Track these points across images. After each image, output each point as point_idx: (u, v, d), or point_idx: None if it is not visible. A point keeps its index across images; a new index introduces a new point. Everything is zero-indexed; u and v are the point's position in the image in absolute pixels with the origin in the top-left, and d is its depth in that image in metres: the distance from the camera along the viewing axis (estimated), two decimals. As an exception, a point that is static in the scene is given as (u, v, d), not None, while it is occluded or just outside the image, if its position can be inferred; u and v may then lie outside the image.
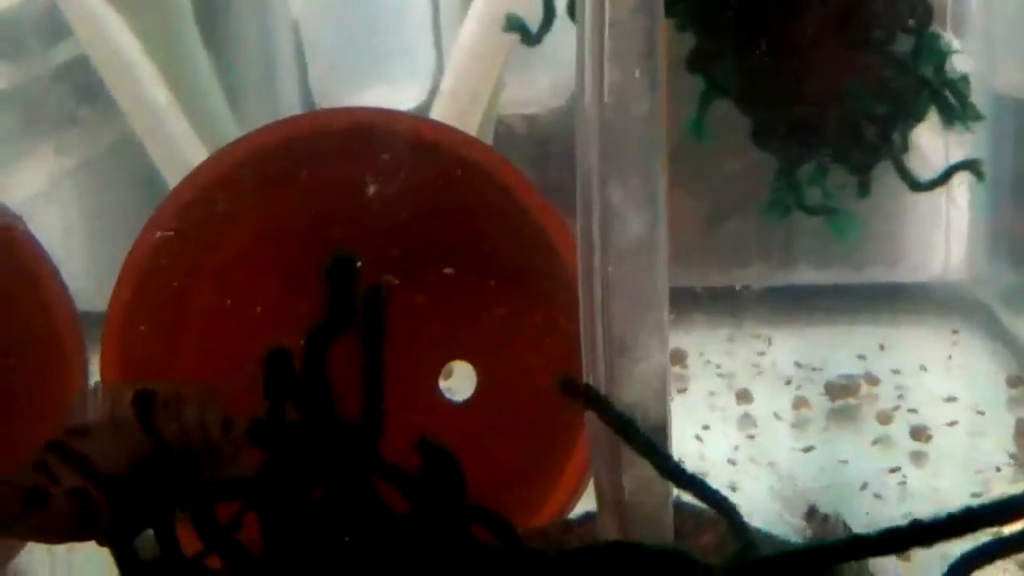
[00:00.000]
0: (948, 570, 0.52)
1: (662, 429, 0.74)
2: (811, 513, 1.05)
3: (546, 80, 1.65)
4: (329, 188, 1.03)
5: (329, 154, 1.02)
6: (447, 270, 1.07)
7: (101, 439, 0.70)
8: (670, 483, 0.75)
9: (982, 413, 1.32)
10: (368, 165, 0.99)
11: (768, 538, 0.69)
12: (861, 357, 1.43)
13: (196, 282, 1.04)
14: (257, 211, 1.03)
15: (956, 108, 1.31)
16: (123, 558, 0.60)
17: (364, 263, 0.60)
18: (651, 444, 0.65)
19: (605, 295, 0.72)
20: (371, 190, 0.98)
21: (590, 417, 0.71)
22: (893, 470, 1.22)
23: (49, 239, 1.09)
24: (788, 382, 1.41)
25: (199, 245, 1.03)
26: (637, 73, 0.70)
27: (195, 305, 1.05)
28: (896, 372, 1.41)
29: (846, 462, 1.25)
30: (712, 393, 1.39)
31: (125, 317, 1.01)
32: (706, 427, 1.31)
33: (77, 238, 1.61)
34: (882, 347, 1.47)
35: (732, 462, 1.24)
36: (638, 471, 0.72)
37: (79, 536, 0.68)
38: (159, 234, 0.96)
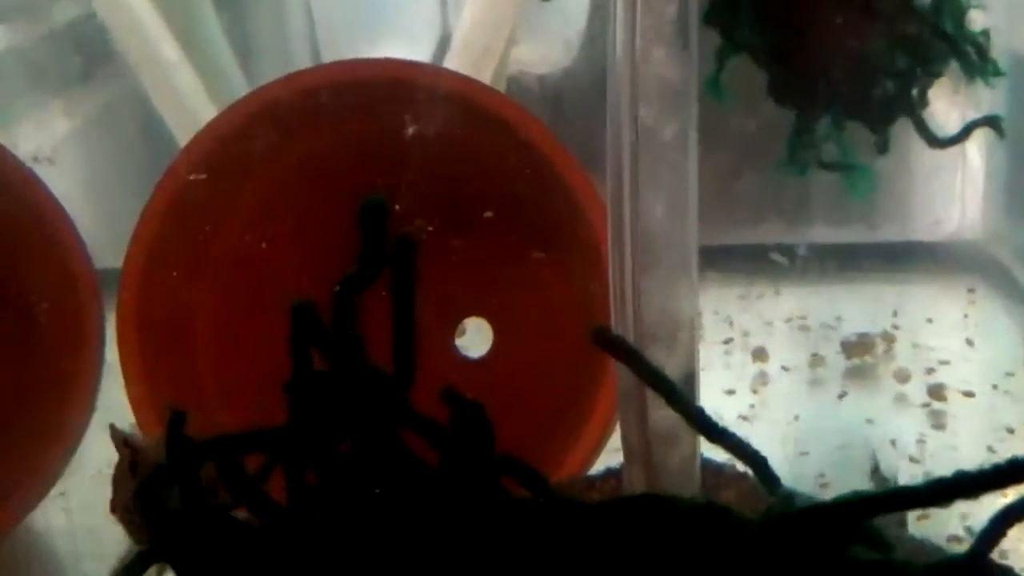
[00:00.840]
0: (992, 519, 0.52)
1: (691, 382, 0.73)
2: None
3: (558, 39, 1.64)
4: (347, 140, 1.02)
5: (349, 106, 1.00)
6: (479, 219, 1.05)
7: None
8: (697, 436, 0.74)
9: (1000, 372, 1.31)
10: (390, 117, 0.98)
11: (796, 494, 0.68)
12: (870, 317, 1.42)
13: (215, 234, 1.03)
14: (275, 163, 1.02)
15: (976, 62, 1.29)
16: (150, 509, 0.59)
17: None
18: (680, 394, 0.64)
19: (635, 249, 0.71)
20: (392, 143, 0.97)
21: (619, 369, 0.70)
22: (911, 429, 1.21)
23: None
24: (803, 341, 1.40)
25: (218, 196, 1.01)
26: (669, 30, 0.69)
27: (213, 258, 1.04)
28: (912, 331, 1.40)
29: (866, 421, 1.24)
30: (727, 352, 1.38)
31: (143, 269, 1.01)
32: (727, 390, 1.30)
33: (83, 196, 1.60)
34: (898, 306, 1.46)
35: (746, 419, 1.23)
36: (666, 424, 0.71)
37: None
38: (191, 176, 0.95)
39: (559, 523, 0.56)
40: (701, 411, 0.65)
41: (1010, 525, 0.53)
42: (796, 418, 1.25)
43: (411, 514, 0.57)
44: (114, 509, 0.69)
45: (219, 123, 1.00)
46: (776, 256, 1.54)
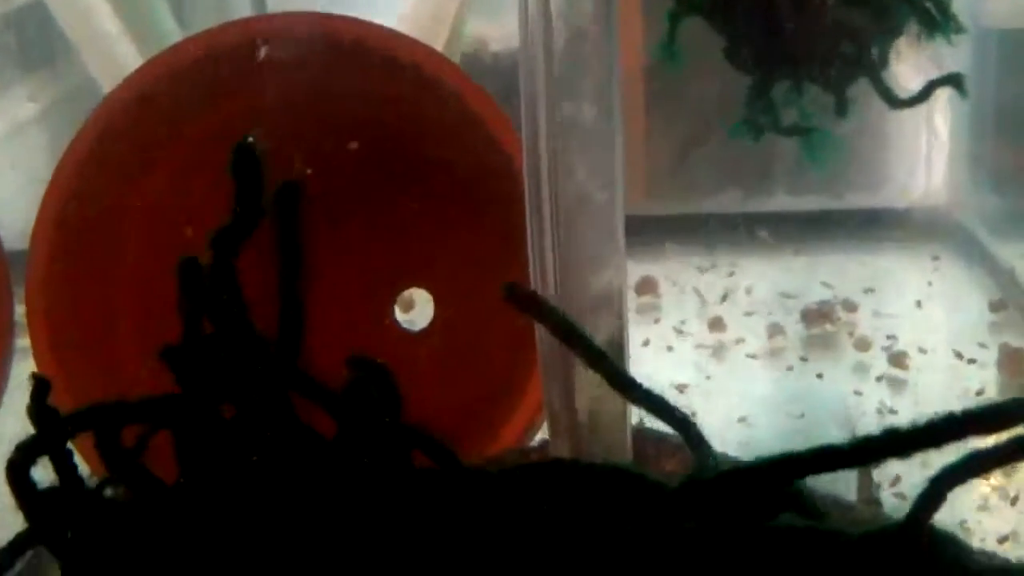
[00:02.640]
0: (930, 482, 0.47)
1: (619, 346, 0.68)
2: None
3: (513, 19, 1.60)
4: (276, 100, 0.97)
5: (278, 62, 0.95)
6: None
7: None
8: (627, 404, 0.70)
9: (963, 338, 1.27)
10: (318, 74, 0.93)
11: (732, 460, 0.63)
12: (830, 286, 1.38)
13: (131, 195, 0.98)
14: (197, 121, 0.97)
15: (937, 19, 1.24)
16: (20, 488, 0.54)
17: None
18: (603, 356, 0.59)
19: (555, 206, 0.65)
20: (323, 101, 0.92)
21: (540, 331, 0.66)
22: (872, 396, 1.17)
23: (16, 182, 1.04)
24: (762, 311, 1.35)
25: (134, 154, 0.96)
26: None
27: (129, 222, 0.98)
28: (875, 299, 1.36)
29: (823, 389, 1.20)
30: (683, 321, 1.33)
31: (52, 237, 0.95)
32: (684, 361, 1.26)
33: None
34: (860, 274, 1.42)
35: (704, 391, 1.19)
36: (592, 390, 0.66)
37: None
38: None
39: (462, 491, 0.51)
40: (624, 373, 0.60)
41: (948, 488, 0.49)
42: (754, 389, 1.21)
43: (300, 483, 0.52)
44: None
45: (140, 76, 0.94)
46: (763, 233, 1.50)
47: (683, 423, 0.60)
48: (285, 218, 0.50)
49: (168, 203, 0.97)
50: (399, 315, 1.09)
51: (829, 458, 0.48)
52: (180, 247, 0.98)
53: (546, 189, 0.65)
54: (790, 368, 1.24)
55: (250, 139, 0.48)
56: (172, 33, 1.62)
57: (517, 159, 0.95)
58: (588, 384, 0.66)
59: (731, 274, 1.43)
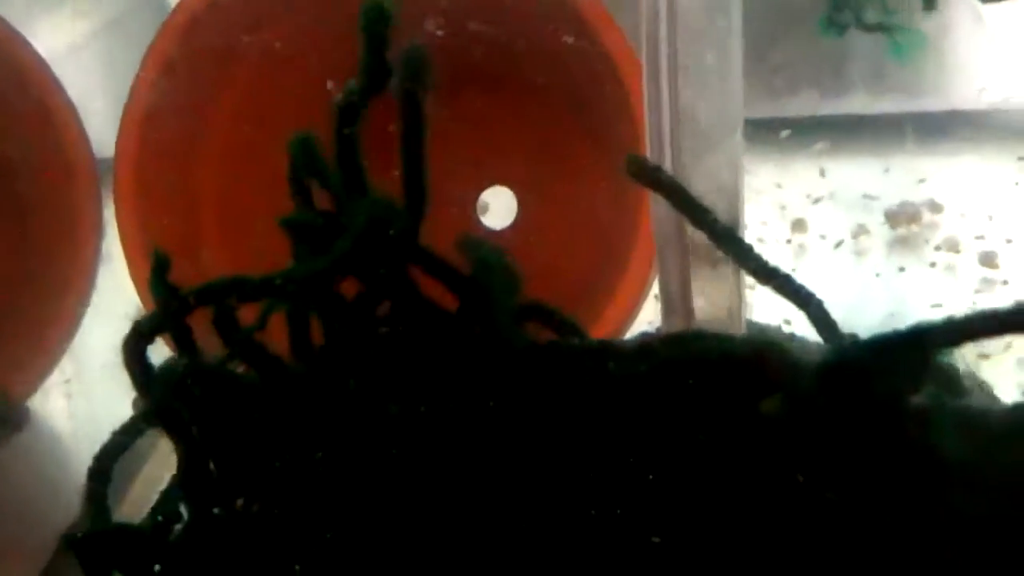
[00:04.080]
0: None
1: (735, 226, 0.66)
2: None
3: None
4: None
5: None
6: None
7: None
8: (742, 285, 0.68)
9: (1054, 237, 1.23)
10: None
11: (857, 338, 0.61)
12: (921, 182, 1.35)
13: (210, 99, 0.96)
14: (271, 30, 0.95)
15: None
16: (135, 368, 0.53)
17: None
18: (725, 229, 0.57)
19: (673, 115, 0.63)
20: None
21: (658, 210, 0.63)
22: (963, 299, 1.14)
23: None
24: (845, 211, 1.32)
25: (209, 62, 0.94)
26: None
27: (211, 124, 0.97)
28: (960, 199, 1.33)
29: (911, 290, 1.17)
30: (765, 223, 1.30)
31: (138, 142, 0.94)
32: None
33: (99, 100, 1.54)
34: (944, 175, 1.38)
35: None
36: (709, 270, 0.64)
37: None
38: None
39: (591, 364, 0.49)
40: (749, 248, 0.58)
41: None
42: (841, 290, 1.18)
43: (427, 360, 0.51)
44: None
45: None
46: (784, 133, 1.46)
47: (810, 303, 0.58)
48: (411, 81, 0.48)
49: (249, 103, 0.95)
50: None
51: (969, 327, 0.46)
52: (263, 146, 0.97)
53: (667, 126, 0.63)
54: (878, 268, 1.21)
55: (383, 2, 0.46)
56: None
57: (617, 62, 0.92)
58: (705, 265, 0.64)
59: (811, 176, 1.40)
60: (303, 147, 0.53)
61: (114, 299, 1.01)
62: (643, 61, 0.61)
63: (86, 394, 1.01)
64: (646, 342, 0.49)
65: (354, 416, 0.49)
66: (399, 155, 0.52)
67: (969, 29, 1.51)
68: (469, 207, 1.06)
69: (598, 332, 0.96)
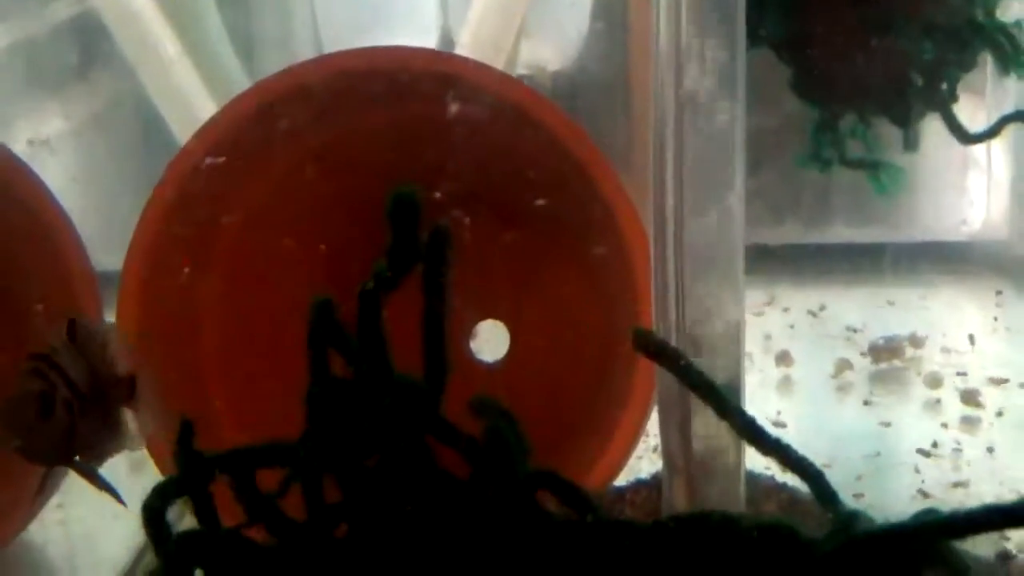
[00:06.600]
0: None
1: (736, 390, 0.68)
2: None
3: (571, 35, 1.60)
4: (368, 129, 0.96)
5: (378, 94, 0.94)
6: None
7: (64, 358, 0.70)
8: (743, 448, 0.69)
9: (1033, 374, 1.26)
10: (413, 110, 0.92)
11: (858, 513, 0.63)
12: (903, 313, 1.37)
13: (224, 227, 0.97)
14: (291, 151, 0.97)
15: (1010, 53, 1.24)
16: (155, 531, 0.54)
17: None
18: (729, 403, 0.59)
19: (678, 252, 0.66)
20: (413, 134, 0.91)
21: (661, 375, 0.65)
22: (946, 436, 1.16)
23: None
24: (829, 345, 1.35)
25: (229, 183, 0.96)
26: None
27: (222, 255, 0.98)
28: (941, 334, 1.35)
29: (892, 426, 1.19)
30: (749, 355, 1.33)
31: (144, 269, 0.95)
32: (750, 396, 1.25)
33: (80, 194, 1.55)
34: (924, 309, 1.41)
35: (777, 424, 1.18)
36: (710, 433, 0.66)
37: (68, 455, 0.69)
38: (208, 161, 0.89)
39: (606, 545, 0.51)
40: (752, 420, 0.60)
41: None
42: (825, 425, 1.20)
43: (442, 532, 0.52)
44: None
45: (237, 105, 0.94)
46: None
47: (812, 475, 0.59)
48: (434, 264, 0.50)
49: (261, 236, 0.97)
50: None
51: (986, 521, 0.47)
52: (276, 284, 0.99)
53: (672, 226, 0.66)
54: (860, 403, 1.23)
55: (412, 189, 0.48)
56: (228, 57, 1.61)
57: (608, 197, 0.94)
58: (707, 427, 0.66)
59: (796, 308, 1.42)
60: (323, 313, 0.55)
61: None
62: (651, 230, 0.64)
63: (80, 520, 1.01)
64: (661, 525, 0.50)
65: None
66: (418, 326, 0.54)
67: (949, 164, 1.55)
68: (462, 342, 1.07)
69: (593, 474, 0.97)
